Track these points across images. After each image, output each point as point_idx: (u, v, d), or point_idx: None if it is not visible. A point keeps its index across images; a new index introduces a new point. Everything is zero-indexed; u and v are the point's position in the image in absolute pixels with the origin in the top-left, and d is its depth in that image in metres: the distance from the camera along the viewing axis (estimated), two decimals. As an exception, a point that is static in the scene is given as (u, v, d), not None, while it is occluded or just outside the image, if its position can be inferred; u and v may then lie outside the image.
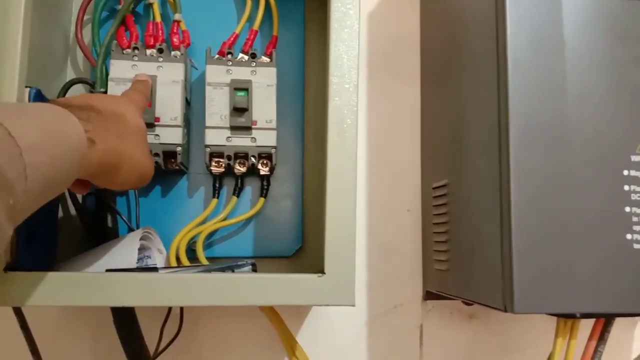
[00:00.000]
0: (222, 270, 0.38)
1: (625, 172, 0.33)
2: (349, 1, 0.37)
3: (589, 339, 0.36)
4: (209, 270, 0.37)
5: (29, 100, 0.35)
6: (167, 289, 0.33)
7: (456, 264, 0.40)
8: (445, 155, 0.43)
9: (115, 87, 0.40)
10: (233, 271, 0.38)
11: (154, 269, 0.36)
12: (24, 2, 0.34)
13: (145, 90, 0.39)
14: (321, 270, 0.34)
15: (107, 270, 0.35)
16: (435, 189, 0.45)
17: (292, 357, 0.43)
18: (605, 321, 0.36)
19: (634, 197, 0.33)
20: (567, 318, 0.35)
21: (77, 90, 0.43)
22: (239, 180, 0.43)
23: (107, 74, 0.41)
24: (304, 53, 0.47)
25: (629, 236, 0.32)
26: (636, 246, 0.32)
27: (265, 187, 0.44)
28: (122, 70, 0.41)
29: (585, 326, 0.36)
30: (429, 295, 0.47)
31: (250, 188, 0.45)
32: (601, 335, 0.36)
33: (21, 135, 0.23)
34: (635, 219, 0.32)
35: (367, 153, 0.49)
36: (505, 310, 0.32)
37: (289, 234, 0.46)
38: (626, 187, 0.33)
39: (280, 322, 0.43)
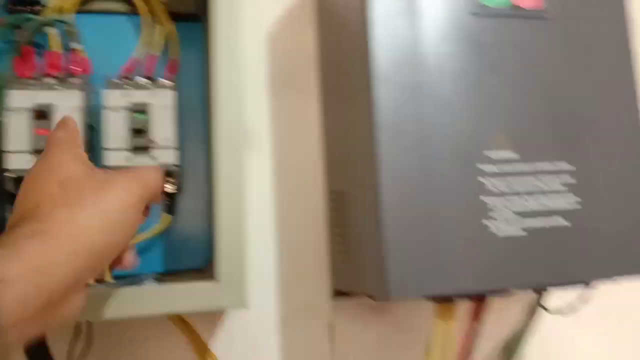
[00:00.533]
0: (127, 285, 0.39)
1: (480, 166, 0.37)
2: (231, 24, 0.40)
3: (471, 320, 0.40)
4: (114, 287, 0.38)
5: None
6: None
7: (351, 262, 0.43)
8: (340, 164, 0.47)
9: (14, 118, 0.41)
10: (138, 285, 0.40)
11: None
12: None
13: (68, 124, 0.32)
14: (215, 278, 0.36)
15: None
16: (332, 195, 0.48)
17: (204, 363, 0.45)
18: (480, 303, 0.40)
19: (487, 186, 0.37)
20: (444, 303, 0.39)
21: (-22, 121, 0.44)
22: (145, 199, 0.45)
23: (2, 105, 0.42)
24: (204, 73, 0.50)
25: (484, 221, 0.37)
26: (492, 230, 0.36)
27: (171, 203, 0.46)
28: (21, 100, 0.42)
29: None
30: (337, 294, 0.50)
31: (158, 206, 0.47)
32: (477, 316, 0.40)
33: None
34: (489, 206, 0.37)
35: (273, 165, 0.52)
36: (383, 299, 0.35)
37: (198, 248, 0.48)
38: (480, 179, 0.37)
39: (191, 331, 0.45)
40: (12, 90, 0.42)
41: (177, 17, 0.48)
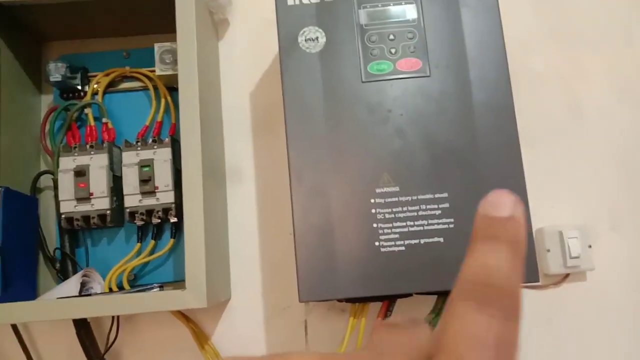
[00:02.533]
0: (138, 291, 0.56)
1: (372, 200, 0.48)
2: (189, 88, 0.54)
3: (377, 317, 0.51)
4: (128, 292, 0.55)
5: (0, 199, 0.55)
6: (91, 304, 0.51)
7: (299, 272, 0.56)
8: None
9: (63, 176, 0.60)
10: (145, 292, 0.56)
11: (90, 294, 0.55)
12: None
13: None
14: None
15: (58, 298, 0.54)
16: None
17: (202, 350, 0.61)
18: (387, 303, 0.51)
19: (379, 216, 0.48)
20: (357, 303, 0.51)
21: (46, 179, 0.63)
22: (155, 229, 0.62)
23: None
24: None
25: (377, 243, 0.48)
26: (382, 249, 0.48)
27: (174, 231, 0.62)
28: (67, 163, 0.61)
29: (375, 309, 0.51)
30: (308, 297, 0.63)
31: (168, 232, 0.63)
32: (385, 314, 0.51)
33: None
34: (380, 231, 0.48)
35: (257, 192, 0.66)
36: (300, 300, 0.48)
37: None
38: (373, 210, 0.48)
39: (191, 323, 0.60)
40: (62, 158, 0.61)
41: (173, 89, 0.65)
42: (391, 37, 0.51)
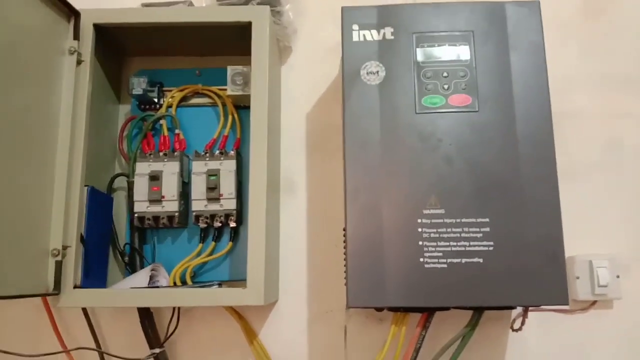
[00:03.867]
0: (200, 287, 0.63)
1: (419, 220, 0.54)
2: (260, 110, 0.61)
3: (417, 327, 0.56)
4: (190, 287, 0.62)
5: (87, 195, 0.62)
6: (162, 296, 0.58)
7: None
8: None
9: (138, 179, 0.67)
10: (205, 287, 0.63)
11: (158, 287, 0.62)
12: (84, 127, 0.62)
13: None
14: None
15: (131, 287, 0.61)
16: (343, 231, 0.67)
17: (251, 345, 0.67)
18: (427, 315, 0.56)
19: (424, 235, 0.53)
20: (398, 312, 0.56)
21: (120, 181, 0.71)
22: (216, 231, 0.69)
23: (135, 170, 0.69)
24: (260, 145, 0.72)
25: (421, 259, 0.53)
26: (426, 266, 0.53)
27: (233, 235, 0.69)
28: (143, 168, 0.68)
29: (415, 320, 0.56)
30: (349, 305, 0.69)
31: (227, 236, 0.70)
32: (424, 325, 0.56)
33: None
34: (425, 249, 0.53)
35: (308, 206, 0.72)
36: (347, 306, 0.54)
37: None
38: (419, 229, 0.54)
39: (242, 320, 0.67)
40: (138, 162, 0.68)
41: (240, 107, 0.71)
42: (445, 74, 0.56)
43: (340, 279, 0.70)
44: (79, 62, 0.62)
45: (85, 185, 0.62)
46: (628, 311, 0.67)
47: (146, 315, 0.65)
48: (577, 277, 0.65)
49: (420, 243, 0.53)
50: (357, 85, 0.57)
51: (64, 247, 0.58)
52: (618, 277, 0.65)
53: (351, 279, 0.53)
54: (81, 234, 0.60)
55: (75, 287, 0.58)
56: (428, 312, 0.56)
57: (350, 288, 0.53)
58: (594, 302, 0.66)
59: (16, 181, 0.53)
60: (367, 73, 0.57)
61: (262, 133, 0.60)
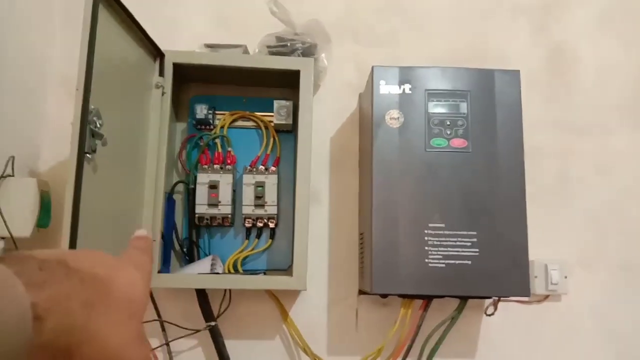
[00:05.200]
0: (249, 274, 0.80)
1: (426, 231, 0.73)
2: (305, 138, 0.79)
3: (419, 310, 0.76)
4: (243, 274, 0.80)
5: (164, 200, 0.79)
6: (221, 280, 0.75)
7: (363, 273, 0.81)
8: (362, 215, 0.85)
9: (199, 187, 0.84)
10: (253, 274, 0.81)
11: (217, 273, 0.80)
12: (166, 144, 0.78)
13: (148, 248, 0.36)
14: (291, 274, 0.76)
15: (199, 273, 0.78)
16: (360, 234, 0.86)
17: (285, 322, 0.85)
18: (427, 301, 0.75)
19: (429, 242, 0.73)
20: (406, 298, 0.75)
21: (180, 187, 0.88)
22: (259, 230, 0.86)
23: (195, 179, 0.85)
24: (294, 163, 0.90)
25: (426, 260, 0.72)
26: (429, 265, 0.72)
27: (272, 234, 0.86)
28: (203, 178, 0.85)
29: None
30: (360, 292, 0.88)
31: (266, 234, 0.87)
32: (425, 308, 0.75)
33: None
34: (429, 253, 0.72)
35: (330, 212, 0.91)
36: (371, 292, 0.73)
37: (286, 258, 0.87)
38: (426, 238, 0.73)
39: (278, 302, 0.85)
40: (199, 173, 0.85)
41: (280, 131, 0.89)
42: (448, 122, 0.76)
43: (354, 272, 0.89)
44: (162, 94, 0.78)
45: (165, 192, 0.79)
46: (572, 304, 0.89)
47: (202, 296, 0.82)
48: (536, 277, 0.86)
49: (426, 248, 0.72)
50: (382, 127, 0.76)
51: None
52: (566, 277, 0.86)
53: (376, 272, 0.72)
54: (161, 231, 0.77)
55: (158, 272, 0.75)
56: (428, 299, 0.76)
57: (375, 279, 0.72)
58: (547, 296, 0.87)
59: (119, 189, 0.69)
60: (390, 118, 0.76)
61: (306, 155, 0.78)
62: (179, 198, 0.89)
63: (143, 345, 0.28)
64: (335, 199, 0.92)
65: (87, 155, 0.57)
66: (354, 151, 0.93)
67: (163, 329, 0.84)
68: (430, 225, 0.73)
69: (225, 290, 0.84)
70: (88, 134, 0.56)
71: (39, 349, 0.22)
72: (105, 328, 0.24)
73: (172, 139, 0.89)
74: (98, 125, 0.58)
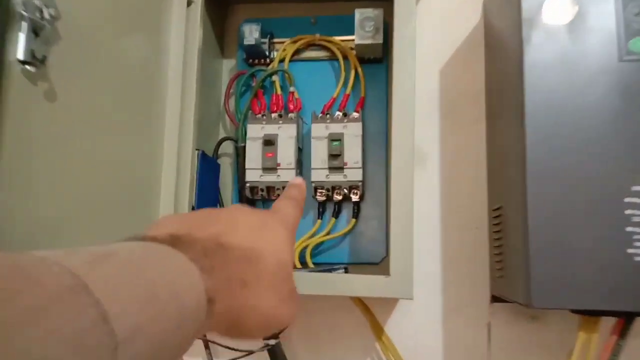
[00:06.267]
0: (323, 271, 0.53)
1: (626, 200, 0.41)
2: (408, 65, 0.50)
3: (611, 334, 0.44)
4: (314, 271, 0.53)
5: (197, 161, 0.53)
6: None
7: (506, 272, 0.51)
8: (500, 184, 0.54)
9: (251, 143, 0.58)
10: (330, 272, 0.53)
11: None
12: (195, 81, 0.53)
13: (300, 197, 0.36)
14: (387, 271, 0.47)
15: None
16: (493, 211, 0.56)
17: (379, 341, 0.57)
18: (624, 320, 0.44)
19: (634, 219, 0.41)
20: (589, 316, 0.44)
21: (226, 145, 0.62)
22: (336, 206, 0.59)
23: (245, 134, 0.59)
24: (387, 105, 0.61)
25: (630, 250, 0.41)
26: (636, 259, 0.40)
27: (356, 211, 0.58)
28: (255, 131, 0.59)
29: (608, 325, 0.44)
30: (494, 299, 0.58)
31: (346, 211, 0.60)
32: (621, 332, 0.44)
33: (121, 316, 0.17)
34: (635, 237, 0.41)
35: (441, 181, 0.61)
36: (527, 306, 0.42)
37: (377, 246, 0.59)
38: (627, 211, 0.41)
39: (369, 313, 0.57)
40: (250, 125, 0.59)
41: (364, 61, 0.60)
42: (661, 9, 0.43)
43: (482, 267, 0.59)
44: (189, 3, 0.53)
45: (196, 150, 0.53)
46: None
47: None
48: None
49: (629, 229, 0.41)
50: (538, 26, 0.44)
51: (176, 220, 0.49)
52: None
53: (536, 273, 0.42)
54: (192, 205, 0.52)
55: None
56: (625, 318, 0.44)
57: (535, 285, 0.41)
58: None
59: (126, 146, 0.45)
60: (553, 11, 0.44)
61: (407, 93, 0.49)
62: (226, 162, 0.64)
63: (293, 301, 0.29)
64: (449, 162, 0.62)
65: (27, 66, 0.32)
66: (476, 90, 0.62)
67: (207, 347, 0.59)
68: (635, 188, 0.41)
69: (289, 293, 0.58)
70: (28, 27, 0.32)
71: (210, 327, 0.24)
72: (260, 301, 0.26)
73: (215, 79, 0.63)
74: (47, 16, 0.33)
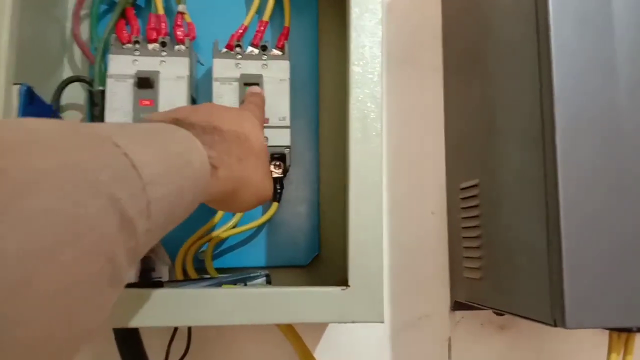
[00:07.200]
0: (234, 282, 0.34)
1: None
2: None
3: (646, 356, 0.32)
4: (219, 284, 0.34)
5: (19, 98, 0.31)
6: (173, 306, 0.29)
7: (491, 272, 0.36)
8: (476, 153, 0.40)
9: (114, 84, 0.37)
10: (245, 284, 0.35)
11: (159, 284, 0.33)
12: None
13: (262, 104, 0.37)
14: (344, 282, 0.30)
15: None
16: (463, 190, 0.41)
17: (310, 376, 0.40)
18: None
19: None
20: (620, 331, 0.32)
21: (74, 89, 0.40)
22: (250, 184, 0.40)
23: (105, 71, 0.38)
24: (317, 44, 0.44)
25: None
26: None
27: (279, 190, 0.40)
28: (122, 67, 0.37)
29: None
30: (457, 306, 0.44)
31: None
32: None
33: (145, 165, 0.20)
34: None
35: (388, 151, 0.46)
36: (555, 325, 0.28)
37: (305, 241, 0.42)
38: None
39: (297, 339, 0.39)
40: (114, 55, 0.38)
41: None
42: None
43: (440, 267, 0.44)
44: None
45: (17, 84, 0.31)
46: None
47: (130, 335, 0.35)
48: None
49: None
50: None
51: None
52: None
53: (572, 287, 0.28)
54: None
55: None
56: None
57: (571, 301, 0.27)
58: None
59: None
60: None
61: (371, 29, 0.32)
62: (73, 114, 0.41)
63: (270, 178, 0.33)
64: (399, 125, 0.46)
65: None
66: (433, 32, 0.47)
67: None
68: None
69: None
70: None
71: (216, 192, 0.28)
72: (252, 173, 0.30)
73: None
74: None
